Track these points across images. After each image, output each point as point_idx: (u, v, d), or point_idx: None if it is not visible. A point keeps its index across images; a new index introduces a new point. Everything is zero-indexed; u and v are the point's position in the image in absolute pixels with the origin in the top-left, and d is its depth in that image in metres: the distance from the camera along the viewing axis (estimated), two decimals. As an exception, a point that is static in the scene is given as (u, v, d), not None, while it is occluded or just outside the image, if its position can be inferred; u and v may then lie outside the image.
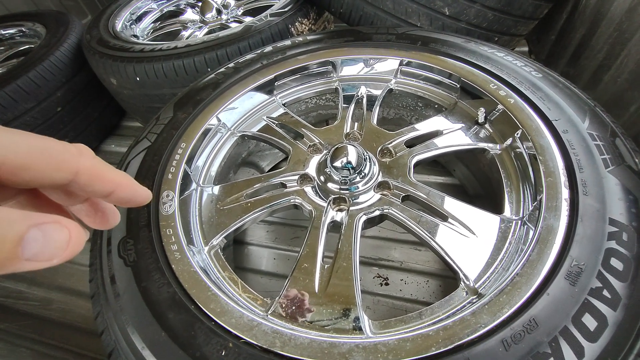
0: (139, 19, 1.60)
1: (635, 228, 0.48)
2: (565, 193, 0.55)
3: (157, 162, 0.74)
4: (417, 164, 0.76)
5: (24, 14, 1.69)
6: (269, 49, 1.02)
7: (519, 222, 0.61)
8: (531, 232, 0.56)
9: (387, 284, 0.90)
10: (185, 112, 0.86)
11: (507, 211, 0.66)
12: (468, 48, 0.87)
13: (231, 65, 0.99)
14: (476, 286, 0.54)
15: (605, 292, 0.43)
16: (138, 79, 1.16)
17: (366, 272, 0.94)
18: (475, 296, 0.53)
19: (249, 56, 1.01)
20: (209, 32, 1.47)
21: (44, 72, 1.26)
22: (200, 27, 1.52)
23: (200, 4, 1.59)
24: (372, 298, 0.88)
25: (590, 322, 0.41)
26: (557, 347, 0.40)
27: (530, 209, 0.61)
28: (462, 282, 0.55)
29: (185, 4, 1.70)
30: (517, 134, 0.70)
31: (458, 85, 0.85)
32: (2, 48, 1.66)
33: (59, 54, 1.34)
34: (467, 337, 0.43)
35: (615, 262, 0.45)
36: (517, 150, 0.70)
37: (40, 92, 1.25)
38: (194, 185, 0.78)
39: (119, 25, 1.44)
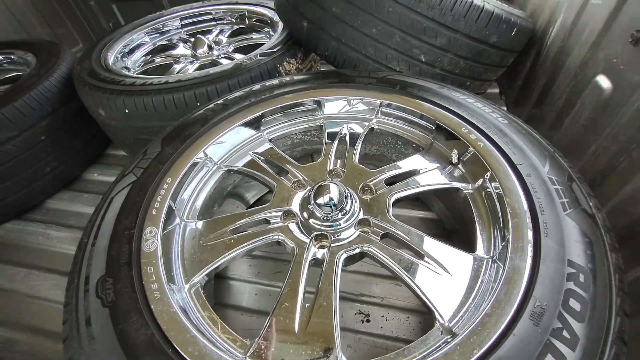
0: (132, 51, 1.65)
1: (591, 270, 0.52)
2: (529, 234, 0.59)
3: (142, 197, 0.75)
4: (396, 202, 0.80)
5: (15, 43, 1.71)
6: (257, 87, 1.07)
7: (490, 260, 0.65)
8: (500, 271, 0.59)
9: (368, 321, 0.91)
10: (173, 147, 0.88)
11: (480, 249, 0.69)
12: (442, 93, 0.95)
13: (220, 101, 1.03)
14: (450, 325, 0.56)
15: (565, 333, 0.46)
16: (127, 111, 1.18)
17: (348, 308, 0.95)
18: (449, 335, 0.55)
19: (237, 93, 1.05)
20: (200, 67, 1.53)
21: (31, 102, 1.27)
22: (191, 62, 1.58)
23: (192, 39, 1.66)
24: (353, 336, 0.88)
25: (552, 362, 0.43)
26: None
27: (500, 248, 0.65)
28: (437, 322, 0.57)
29: (177, 39, 1.77)
30: (487, 176, 0.75)
31: (433, 127, 0.91)
32: (-11, 75, 1.66)
33: (48, 83, 1.35)
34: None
35: (573, 303, 0.49)
36: (487, 190, 0.75)
37: (25, 121, 1.25)
38: (177, 220, 0.79)
39: (111, 58, 1.48)
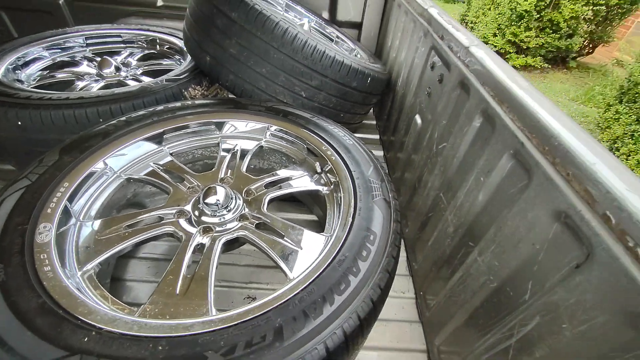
0: (26, 64, 1.62)
1: (378, 233, 0.83)
2: (350, 216, 0.89)
3: (36, 198, 0.83)
4: (271, 201, 1.04)
5: None
6: (160, 108, 1.23)
7: (329, 236, 0.92)
8: (331, 241, 0.86)
9: (254, 299, 1.09)
10: (72, 156, 0.97)
11: (326, 230, 0.97)
12: (313, 121, 1.25)
13: (123, 118, 1.15)
14: (293, 277, 0.79)
15: (354, 269, 0.73)
16: (20, 123, 1.20)
17: (237, 294, 1.12)
18: (291, 281, 0.78)
19: (141, 112, 1.19)
20: (105, 87, 1.59)
21: None
22: (96, 80, 1.63)
23: (98, 59, 1.71)
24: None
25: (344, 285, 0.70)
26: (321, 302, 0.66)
27: (336, 227, 0.93)
28: (287, 277, 0.80)
29: (81, 57, 1.79)
30: (336, 180, 1.05)
31: (305, 146, 1.20)
32: None
33: None
34: (275, 304, 0.66)
35: (364, 252, 0.77)
36: (337, 190, 1.05)
37: None
38: (73, 220, 0.88)
39: (1, 70, 1.44)
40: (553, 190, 0.61)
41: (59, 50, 1.77)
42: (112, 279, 1.13)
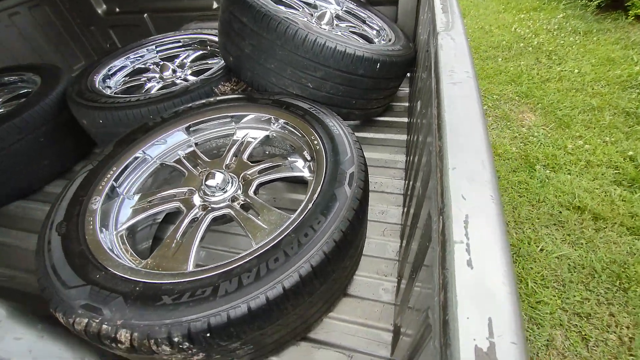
0: (114, 73, 2.11)
1: (328, 219, 0.92)
2: (312, 201, 0.99)
3: (93, 179, 1.18)
4: (261, 185, 1.21)
5: (25, 66, 2.18)
6: (189, 105, 1.50)
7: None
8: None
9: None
10: (122, 147, 1.32)
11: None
12: (309, 112, 1.35)
13: (162, 115, 1.46)
14: (258, 247, 0.96)
15: (292, 248, 0.86)
16: (101, 121, 1.63)
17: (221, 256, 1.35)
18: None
19: (174, 110, 1.48)
20: (162, 87, 1.97)
21: (34, 114, 1.72)
22: (158, 82, 2.03)
23: (162, 63, 2.11)
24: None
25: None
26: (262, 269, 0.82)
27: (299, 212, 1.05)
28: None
29: (152, 63, 2.22)
30: (317, 167, 1.15)
31: (300, 135, 1.32)
32: (6, 91, 2.14)
33: (48, 100, 1.81)
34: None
35: (307, 234, 0.89)
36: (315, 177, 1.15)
37: (29, 127, 1.71)
38: (119, 195, 1.21)
39: (97, 80, 1.93)
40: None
41: (137, 59, 2.23)
42: (154, 238, 1.48)
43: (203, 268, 0.87)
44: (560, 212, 2.36)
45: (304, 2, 2.05)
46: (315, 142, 1.22)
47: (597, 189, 2.48)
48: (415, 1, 2.15)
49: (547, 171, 2.68)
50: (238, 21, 1.47)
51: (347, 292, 1.20)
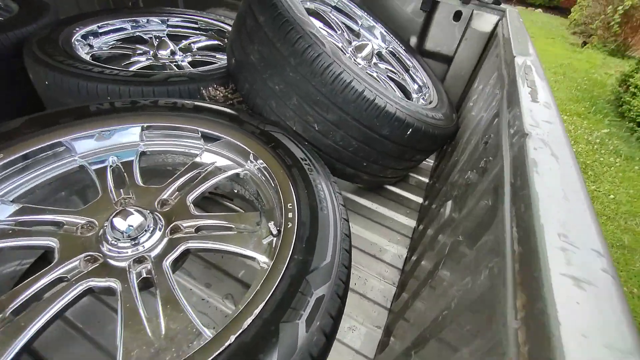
0: (106, 33, 1.76)
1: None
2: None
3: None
4: (186, 253, 0.80)
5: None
6: (154, 99, 1.12)
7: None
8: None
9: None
10: (35, 127, 0.93)
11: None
12: (301, 165, 0.97)
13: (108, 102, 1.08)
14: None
15: None
16: (47, 82, 1.25)
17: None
18: None
19: (131, 100, 1.10)
20: (147, 67, 1.61)
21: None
22: (148, 59, 1.67)
23: (163, 39, 1.76)
24: None
25: None
26: None
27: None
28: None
29: (154, 36, 1.88)
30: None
31: (276, 193, 0.93)
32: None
33: (12, 35, 1.45)
34: None
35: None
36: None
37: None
38: None
39: (76, 33, 1.57)
40: None
41: (141, 26, 1.89)
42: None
43: None
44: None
45: (347, 26, 1.72)
46: (290, 214, 0.83)
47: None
48: (472, 66, 1.83)
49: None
50: (253, 18, 1.12)
51: None
